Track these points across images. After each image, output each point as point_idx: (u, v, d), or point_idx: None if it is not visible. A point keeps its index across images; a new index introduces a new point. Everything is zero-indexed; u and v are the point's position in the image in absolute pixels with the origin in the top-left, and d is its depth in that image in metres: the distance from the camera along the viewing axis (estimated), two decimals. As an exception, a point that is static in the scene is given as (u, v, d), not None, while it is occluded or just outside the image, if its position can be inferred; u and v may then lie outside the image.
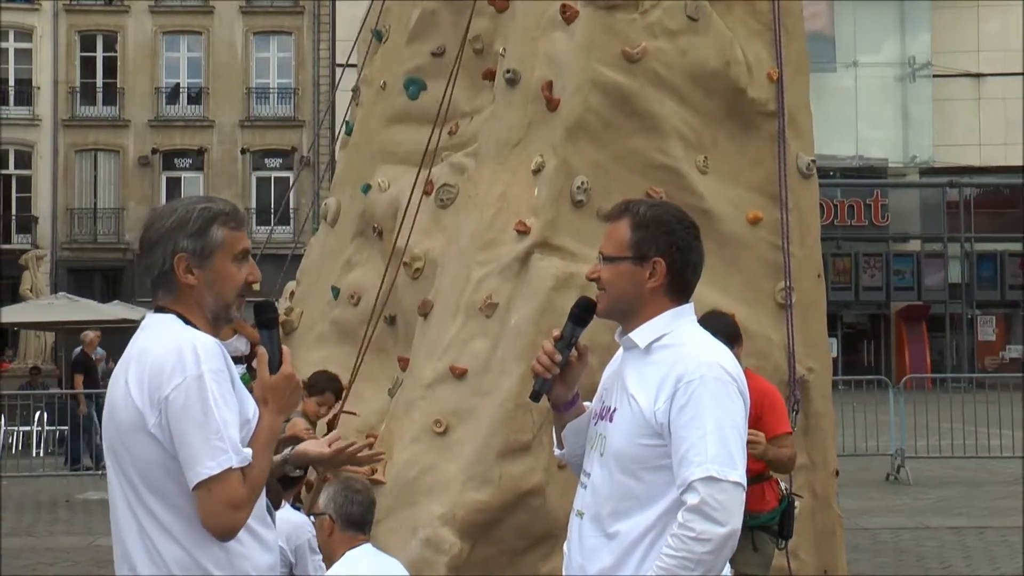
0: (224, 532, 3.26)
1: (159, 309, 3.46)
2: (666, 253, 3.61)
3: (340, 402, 7.93)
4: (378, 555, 5.59)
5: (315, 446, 4.05)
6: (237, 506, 3.24)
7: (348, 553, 5.45)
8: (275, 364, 3.43)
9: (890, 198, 43.62)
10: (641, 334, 3.62)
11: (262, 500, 3.44)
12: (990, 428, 18.73)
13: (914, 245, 44.20)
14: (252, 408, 3.40)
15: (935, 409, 19.12)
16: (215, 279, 3.41)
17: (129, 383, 3.32)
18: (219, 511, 3.22)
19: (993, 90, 43.74)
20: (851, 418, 18.62)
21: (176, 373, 3.24)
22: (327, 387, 8.05)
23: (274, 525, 3.56)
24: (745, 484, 3.44)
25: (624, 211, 3.70)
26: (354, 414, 7.83)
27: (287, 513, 6.07)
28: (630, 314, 3.65)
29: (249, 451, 3.28)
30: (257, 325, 3.54)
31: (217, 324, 3.46)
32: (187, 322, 3.38)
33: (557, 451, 3.93)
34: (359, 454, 4.02)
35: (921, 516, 14.21)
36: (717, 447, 3.40)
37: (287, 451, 4.12)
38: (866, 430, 19.11)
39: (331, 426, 7.84)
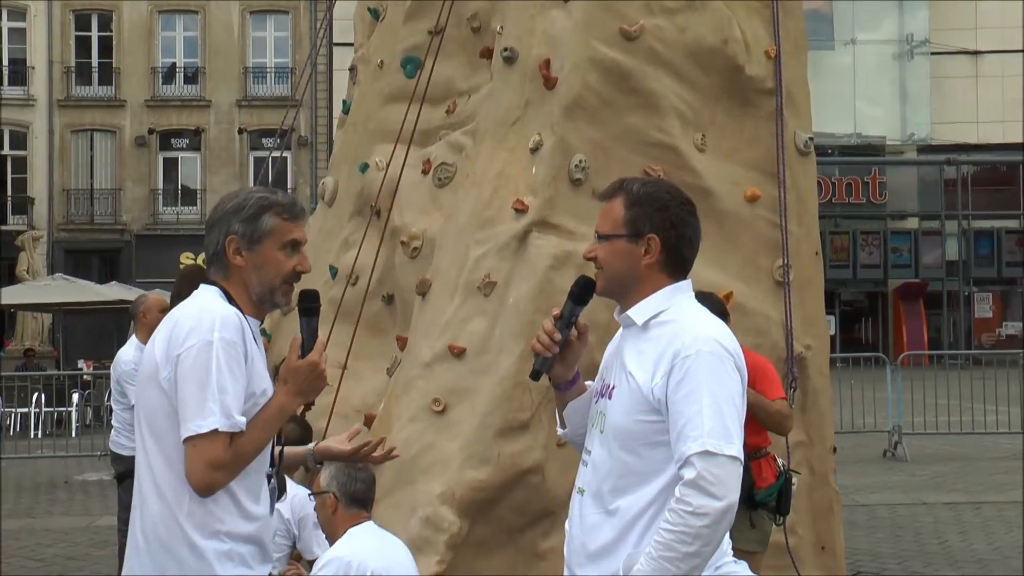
0: (201, 487, 3.51)
1: (210, 283, 3.72)
2: (660, 229, 3.63)
3: (337, 384, 7.93)
4: (381, 533, 5.62)
5: (336, 442, 4.31)
6: (216, 466, 3.48)
7: (351, 530, 5.48)
8: (307, 350, 3.68)
9: (888, 176, 43.65)
10: (638, 311, 3.64)
11: (259, 476, 3.65)
12: (986, 405, 18.79)
13: (912, 223, 44.25)
14: (263, 386, 3.64)
15: (932, 386, 19.19)
16: (262, 263, 3.68)
17: (157, 336, 3.64)
18: (199, 467, 3.48)
19: (991, 68, 43.71)
20: (848, 395, 18.69)
21: (192, 335, 3.53)
22: None
23: (272, 506, 3.71)
24: (742, 458, 3.46)
25: (618, 189, 3.72)
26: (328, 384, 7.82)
27: (291, 487, 6.09)
28: (627, 292, 3.67)
29: (242, 420, 3.52)
30: (299, 311, 3.78)
31: (262, 306, 3.74)
32: (230, 298, 3.65)
33: (560, 430, 3.95)
34: (374, 454, 4.35)
35: (918, 492, 14.26)
36: (713, 422, 3.42)
37: (312, 445, 4.42)
38: (863, 407, 19.17)
39: (309, 406, 7.84)
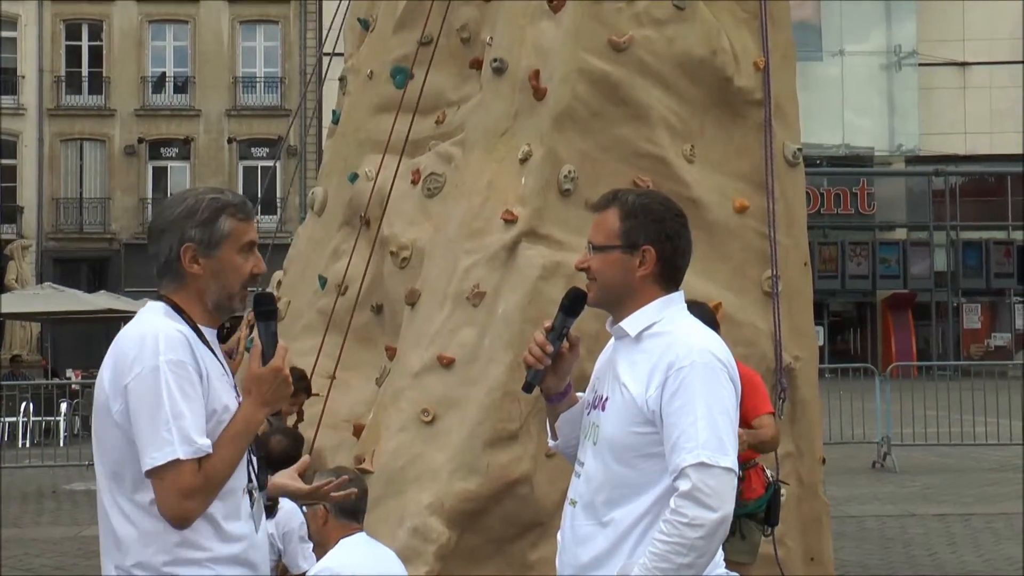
0: (176, 519, 3.32)
1: (157, 297, 3.52)
2: (655, 241, 3.63)
3: (325, 394, 7.91)
4: (373, 544, 5.60)
5: (290, 479, 4.07)
6: (188, 495, 3.29)
7: (342, 541, 5.46)
8: (268, 356, 3.46)
9: (876, 187, 43.73)
10: (632, 322, 3.64)
11: (235, 495, 3.45)
12: (975, 416, 18.80)
13: (900, 233, 44.30)
14: (223, 400, 3.43)
15: (921, 397, 19.19)
16: (220, 269, 3.46)
17: (104, 368, 3.43)
18: (170, 498, 3.29)
19: (978, 79, 43.81)
20: (837, 406, 18.68)
21: (136, 362, 3.33)
22: (296, 386, 7.97)
23: (257, 524, 3.54)
24: (737, 469, 3.46)
25: (612, 200, 3.72)
26: (317, 395, 7.80)
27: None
28: (620, 303, 3.67)
29: (206, 442, 3.33)
30: (255, 316, 3.56)
31: (218, 313, 3.52)
32: (180, 311, 3.44)
33: (551, 442, 3.94)
34: (333, 493, 4.21)
35: (907, 503, 14.26)
36: (708, 433, 3.42)
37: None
38: (852, 418, 19.17)
39: (299, 417, 7.83)
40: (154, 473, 3.29)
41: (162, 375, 3.30)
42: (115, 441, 3.39)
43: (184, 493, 3.29)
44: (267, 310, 3.55)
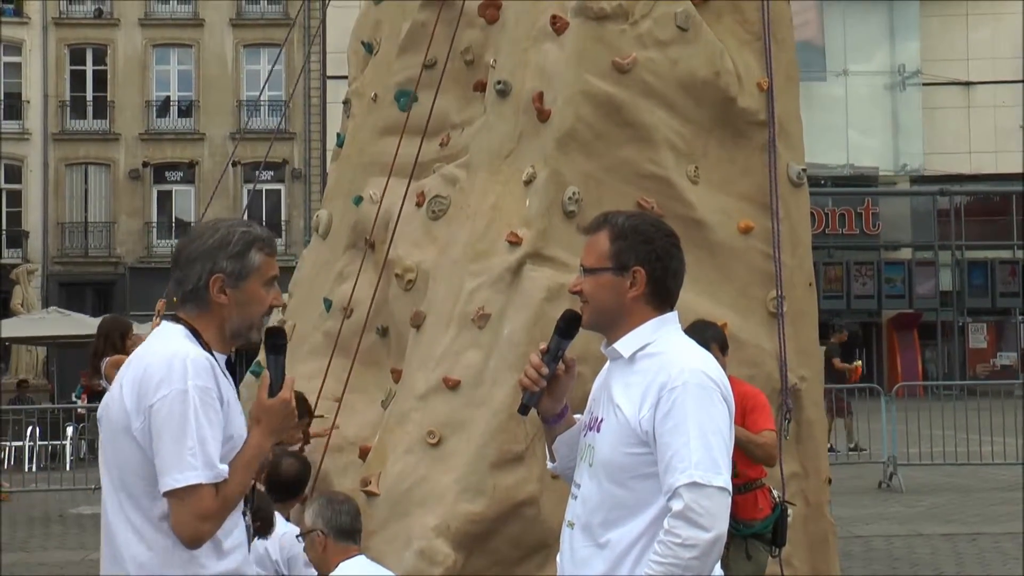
0: (191, 540, 3.44)
1: (175, 319, 3.61)
2: (646, 262, 3.65)
3: (333, 417, 7.90)
4: (372, 567, 5.60)
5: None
6: (205, 517, 3.43)
7: (343, 564, 5.46)
8: (276, 388, 3.59)
9: (881, 206, 43.67)
10: (625, 344, 3.65)
11: (235, 513, 3.58)
12: (982, 435, 18.77)
13: (905, 253, 44.25)
14: (238, 427, 3.56)
15: (927, 416, 19.14)
16: (246, 300, 3.59)
17: (124, 385, 3.51)
18: (188, 520, 3.41)
19: (983, 98, 43.84)
20: (844, 426, 18.65)
21: (163, 384, 3.43)
22: (299, 409, 7.97)
23: (248, 540, 3.67)
24: (730, 489, 3.47)
25: (603, 223, 3.74)
26: (321, 416, 7.81)
27: (280, 524, 6.07)
28: (613, 325, 3.68)
29: (225, 468, 3.45)
30: (266, 349, 3.71)
31: (234, 341, 3.65)
32: (198, 336, 3.55)
33: (550, 464, 3.95)
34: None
35: (914, 523, 14.22)
36: (701, 453, 3.43)
37: None
38: (858, 438, 19.13)
39: (306, 439, 7.82)
40: (174, 495, 3.40)
41: (191, 400, 3.41)
42: (131, 457, 3.47)
43: (202, 516, 3.41)
44: (278, 343, 3.69)
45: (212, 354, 3.55)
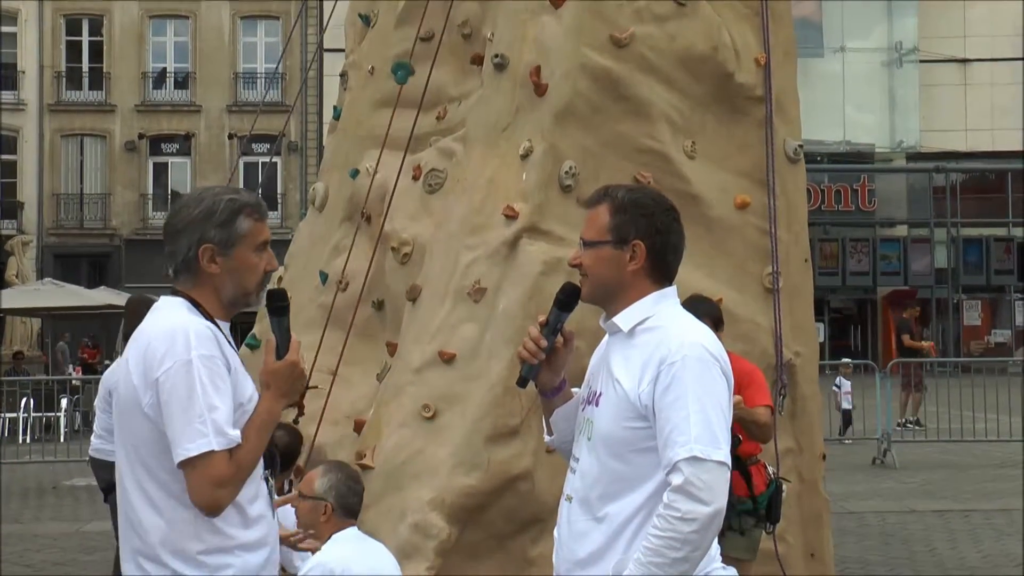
0: (209, 507, 3.45)
1: (174, 293, 3.62)
2: (646, 236, 3.64)
3: (327, 390, 7.91)
4: (363, 538, 5.63)
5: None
6: (221, 484, 3.43)
7: (335, 536, 5.49)
8: (283, 351, 3.59)
9: (877, 183, 43.68)
10: (624, 318, 3.64)
11: (256, 479, 3.59)
12: (976, 412, 18.83)
13: (901, 230, 44.27)
14: (248, 392, 3.57)
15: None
16: (237, 268, 3.58)
17: (130, 361, 3.53)
18: (203, 488, 3.42)
19: (979, 75, 43.78)
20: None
21: (168, 357, 3.44)
22: None
23: (272, 507, 3.67)
24: (729, 463, 3.47)
25: (603, 196, 3.73)
26: (316, 387, 7.80)
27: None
28: (613, 298, 3.68)
29: (237, 433, 3.45)
30: (268, 311, 3.69)
31: (232, 309, 3.64)
32: (198, 307, 3.56)
33: (547, 437, 3.95)
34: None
35: (907, 499, 14.27)
36: (700, 427, 3.42)
37: None
38: (853, 414, 19.18)
39: (300, 411, 7.82)
40: (187, 464, 3.41)
41: (195, 369, 3.42)
42: (144, 432, 3.49)
43: (217, 482, 3.42)
44: (280, 306, 3.67)
45: (215, 323, 3.56)
